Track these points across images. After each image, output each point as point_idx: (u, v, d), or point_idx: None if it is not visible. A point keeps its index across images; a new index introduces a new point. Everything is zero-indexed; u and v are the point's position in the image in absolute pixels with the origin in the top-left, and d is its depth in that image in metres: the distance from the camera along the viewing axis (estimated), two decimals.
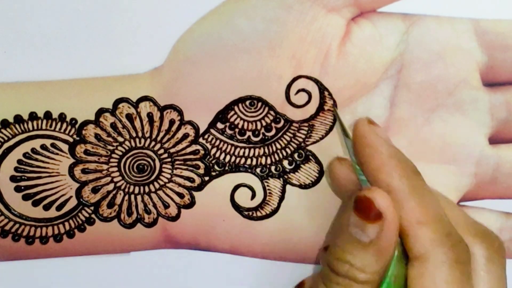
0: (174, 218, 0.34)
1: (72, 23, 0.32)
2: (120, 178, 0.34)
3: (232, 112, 0.34)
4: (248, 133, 0.34)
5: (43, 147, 0.33)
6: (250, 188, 0.34)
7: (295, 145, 0.34)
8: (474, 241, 0.29)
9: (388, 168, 0.29)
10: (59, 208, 0.34)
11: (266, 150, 0.34)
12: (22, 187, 0.33)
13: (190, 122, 0.34)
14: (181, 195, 0.34)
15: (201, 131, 0.34)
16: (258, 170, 0.34)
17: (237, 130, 0.34)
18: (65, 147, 0.33)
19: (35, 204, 0.33)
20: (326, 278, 0.29)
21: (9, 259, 0.34)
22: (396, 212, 0.28)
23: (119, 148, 0.33)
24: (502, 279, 0.29)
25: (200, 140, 0.34)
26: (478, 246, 0.29)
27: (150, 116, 0.33)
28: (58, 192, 0.33)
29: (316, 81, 0.33)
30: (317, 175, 0.35)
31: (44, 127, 0.33)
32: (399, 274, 0.29)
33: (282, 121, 0.34)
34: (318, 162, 0.34)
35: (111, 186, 0.34)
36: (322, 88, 0.34)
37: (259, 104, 0.34)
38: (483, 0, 0.34)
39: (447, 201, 0.32)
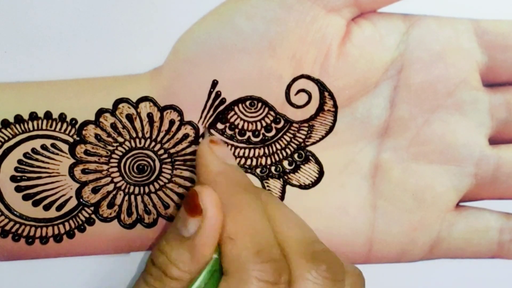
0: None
1: (72, 23, 0.32)
2: (120, 178, 0.34)
3: (232, 113, 0.34)
4: (248, 134, 0.34)
5: (43, 147, 0.33)
6: None
7: (295, 146, 0.34)
8: (299, 261, 0.29)
9: (213, 184, 0.30)
10: (59, 208, 0.34)
11: (266, 151, 0.34)
12: (22, 187, 0.33)
13: (190, 123, 0.33)
14: (181, 196, 0.34)
15: (201, 131, 0.34)
16: (258, 170, 0.34)
17: (237, 130, 0.34)
18: (65, 147, 0.33)
19: (35, 204, 0.33)
20: (145, 268, 0.30)
21: (9, 259, 0.34)
22: (220, 217, 0.29)
23: (119, 148, 0.33)
24: None
25: (200, 140, 0.34)
26: (302, 267, 0.29)
27: (150, 116, 0.33)
28: (58, 192, 0.33)
29: (316, 82, 0.33)
30: (317, 175, 0.35)
31: (44, 127, 0.33)
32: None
33: (282, 122, 0.34)
34: (318, 162, 0.34)
35: (111, 187, 0.34)
36: (322, 89, 0.34)
37: (259, 104, 0.34)
38: (483, 0, 0.34)
39: (290, 219, 0.31)
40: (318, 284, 0.29)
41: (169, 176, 0.34)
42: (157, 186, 0.34)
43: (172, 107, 0.33)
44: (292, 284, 0.29)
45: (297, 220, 0.31)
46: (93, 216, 0.34)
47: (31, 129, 0.33)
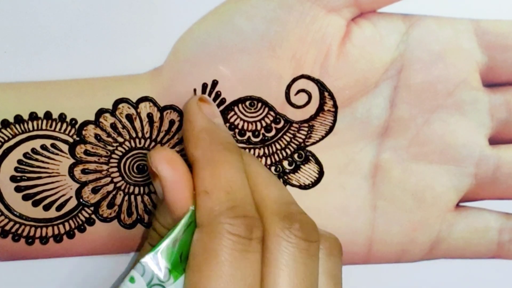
0: None
1: (72, 23, 0.32)
2: (120, 178, 0.34)
3: (232, 113, 0.34)
4: (248, 134, 0.34)
5: (43, 147, 0.33)
6: None
7: (295, 146, 0.34)
8: (273, 219, 0.29)
9: (196, 140, 0.30)
10: (59, 208, 0.34)
11: (266, 151, 0.34)
12: (22, 187, 0.33)
13: None
14: None
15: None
16: None
17: (237, 130, 0.34)
18: (65, 147, 0.33)
19: (35, 204, 0.33)
20: (148, 234, 0.32)
21: (9, 259, 0.34)
22: (184, 174, 0.29)
23: (119, 148, 0.33)
24: (297, 261, 0.29)
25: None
26: (275, 224, 0.29)
27: (150, 116, 0.33)
28: (58, 192, 0.33)
29: (316, 82, 0.33)
30: (317, 175, 0.35)
31: (44, 127, 0.33)
32: (186, 240, 0.29)
33: (282, 122, 0.34)
34: (318, 162, 0.34)
35: (111, 187, 0.34)
36: (322, 89, 0.34)
37: (259, 104, 0.34)
38: (483, 0, 0.34)
39: (270, 180, 0.31)
40: (291, 243, 0.29)
41: None
42: None
43: (172, 107, 0.33)
44: (265, 241, 0.29)
45: (276, 182, 0.31)
46: (93, 216, 0.34)
47: (31, 129, 0.33)
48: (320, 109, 0.34)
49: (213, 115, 0.32)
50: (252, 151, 0.34)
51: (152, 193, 0.34)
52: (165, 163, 0.29)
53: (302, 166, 0.35)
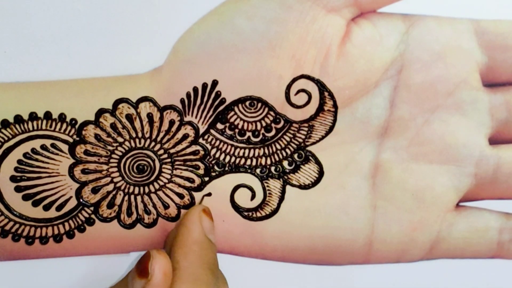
0: (174, 219, 0.34)
1: (72, 23, 0.32)
2: (120, 178, 0.34)
3: (232, 113, 0.34)
4: (248, 134, 0.34)
5: (43, 147, 0.33)
6: (250, 188, 0.34)
7: (295, 146, 0.34)
8: None
9: (187, 250, 0.31)
10: (59, 208, 0.34)
11: (266, 151, 0.34)
12: (22, 187, 0.33)
13: (190, 123, 0.34)
14: (181, 196, 0.34)
15: (201, 131, 0.34)
16: (258, 170, 0.34)
17: (237, 130, 0.34)
18: (65, 147, 0.33)
19: (35, 204, 0.33)
20: None
21: (9, 259, 0.34)
22: (164, 285, 0.29)
23: (119, 148, 0.33)
24: None
25: (200, 140, 0.34)
26: None
27: (150, 116, 0.33)
28: (58, 192, 0.33)
29: (316, 82, 0.33)
30: (316, 175, 0.35)
31: (44, 127, 0.33)
32: None
33: (282, 122, 0.34)
34: (317, 162, 0.34)
35: (111, 187, 0.34)
36: (322, 89, 0.34)
37: (259, 104, 0.34)
38: (483, 0, 0.34)
39: None
40: None
41: (169, 176, 0.34)
42: (157, 186, 0.34)
43: (172, 107, 0.33)
44: None
45: None
46: (93, 216, 0.34)
47: (31, 129, 0.33)
48: (320, 109, 0.34)
49: (210, 230, 0.33)
50: (252, 151, 0.34)
51: (151, 193, 0.34)
52: (163, 273, 0.29)
53: (302, 166, 0.35)
